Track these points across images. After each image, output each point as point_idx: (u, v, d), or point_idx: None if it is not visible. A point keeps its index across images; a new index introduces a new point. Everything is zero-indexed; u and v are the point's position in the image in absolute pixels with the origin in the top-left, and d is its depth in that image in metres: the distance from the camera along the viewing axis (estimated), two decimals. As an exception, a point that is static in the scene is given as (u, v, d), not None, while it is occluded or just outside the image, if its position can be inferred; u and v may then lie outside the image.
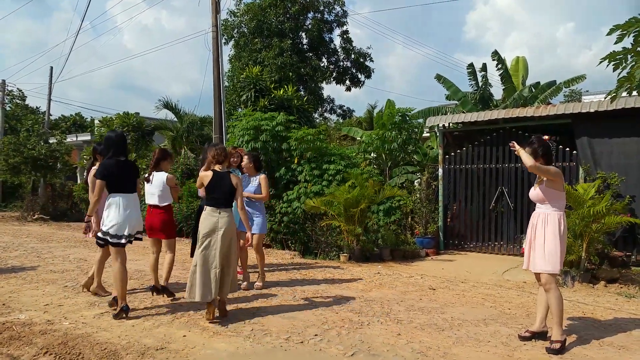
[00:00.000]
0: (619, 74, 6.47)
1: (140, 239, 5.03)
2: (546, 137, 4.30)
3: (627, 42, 5.23)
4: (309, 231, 9.23)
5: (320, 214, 8.92)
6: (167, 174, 5.41)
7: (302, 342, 4.01)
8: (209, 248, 4.56)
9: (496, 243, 9.60)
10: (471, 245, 9.81)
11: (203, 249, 4.55)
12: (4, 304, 5.05)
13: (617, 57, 5.38)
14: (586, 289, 6.48)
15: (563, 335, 3.98)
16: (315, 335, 4.18)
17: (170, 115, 17.52)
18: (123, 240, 4.69)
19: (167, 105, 16.54)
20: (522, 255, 8.98)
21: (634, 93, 6.65)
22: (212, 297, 4.50)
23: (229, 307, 4.87)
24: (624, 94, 6.61)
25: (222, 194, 4.65)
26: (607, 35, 5.37)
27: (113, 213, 4.66)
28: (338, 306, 5.11)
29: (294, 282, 6.38)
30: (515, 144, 4.27)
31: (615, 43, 5.33)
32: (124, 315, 4.55)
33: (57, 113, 43.29)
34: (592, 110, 8.04)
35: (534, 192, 4.21)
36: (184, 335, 4.13)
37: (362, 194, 8.25)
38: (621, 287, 6.59)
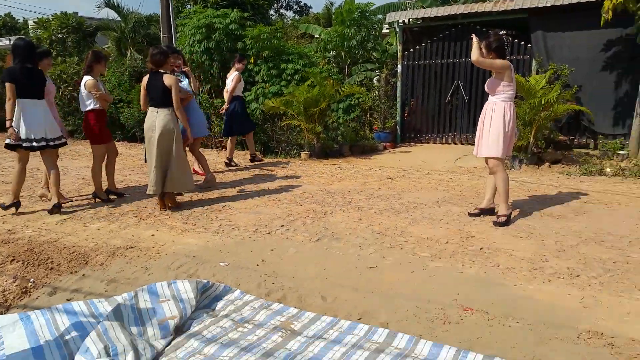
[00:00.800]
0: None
1: (59, 145, 5.09)
2: (503, 32, 4.39)
3: None
4: (269, 131, 9.30)
5: (279, 114, 8.94)
6: (87, 77, 5.28)
7: (269, 233, 4.26)
8: (151, 145, 4.92)
9: (450, 134, 9.97)
10: (427, 137, 10.15)
11: (147, 144, 5.00)
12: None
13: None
14: (532, 170, 6.97)
15: (509, 210, 4.36)
16: (282, 226, 4.44)
17: (113, 15, 16.39)
18: (34, 144, 4.87)
19: (109, 4, 15.40)
20: (474, 144, 9.47)
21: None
22: (156, 192, 4.93)
23: (195, 209, 5.07)
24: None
25: (156, 94, 4.91)
26: None
27: (19, 118, 4.82)
28: (302, 199, 5.36)
29: (257, 180, 6.56)
30: (475, 37, 4.37)
31: None
32: (57, 211, 4.96)
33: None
34: (547, 5, 8.12)
35: (486, 84, 4.41)
36: (153, 235, 4.30)
37: (321, 93, 8.26)
38: (563, 167, 7.12)
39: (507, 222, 4.29)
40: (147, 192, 4.99)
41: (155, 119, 4.89)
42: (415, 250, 3.71)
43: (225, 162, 7.84)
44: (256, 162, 8.05)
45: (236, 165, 7.84)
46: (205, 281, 3.06)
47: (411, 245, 3.82)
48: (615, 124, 8.17)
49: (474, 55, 4.23)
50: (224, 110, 7.68)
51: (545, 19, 8.42)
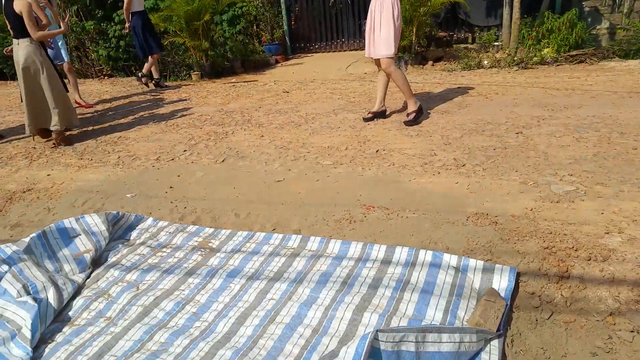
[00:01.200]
0: None
1: None
2: None
3: None
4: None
5: (160, 32, 8.39)
6: None
7: (173, 159, 4.21)
8: (20, 80, 4.61)
9: (338, 41, 10.06)
10: (316, 47, 10.17)
11: (19, 80, 4.66)
12: None
13: None
14: (417, 70, 7.35)
15: (417, 104, 4.53)
16: (185, 151, 4.40)
17: None
18: None
19: None
20: (362, 49, 9.61)
21: None
22: (31, 131, 4.76)
23: (88, 142, 4.82)
24: None
25: (11, 23, 4.52)
26: None
27: None
28: (200, 122, 5.27)
29: (150, 106, 6.29)
30: None
31: None
32: None
33: None
34: None
35: None
36: (48, 175, 4.07)
37: (202, 4, 7.82)
38: (445, 64, 7.57)
39: (418, 118, 4.50)
40: (26, 132, 4.72)
41: (18, 51, 4.51)
42: (318, 160, 3.89)
43: (155, 83, 7.42)
44: (162, 88, 7.56)
45: (166, 86, 7.48)
46: (115, 212, 3.03)
47: (314, 155, 4.00)
48: (488, 14, 8.71)
49: None
50: (127, 30, 7.23)
51: None
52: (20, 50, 4.51)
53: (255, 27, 10.13)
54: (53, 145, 4.79)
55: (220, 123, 5.17)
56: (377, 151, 3.96)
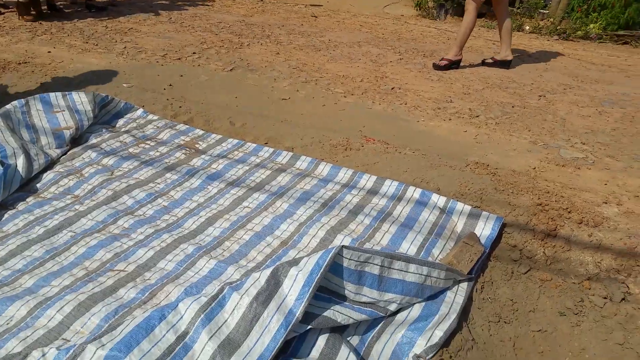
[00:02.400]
0: None
1: None
2: None
3: None
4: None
5: None
6: None
7: (179, 59, 4.03)
8: None
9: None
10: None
11: None
12: None
13: None
14: (457, 21, 6.95)
15: (457, 56, 4.28)
16: (194, 53, 4.20)
17: None
18: None
19: None
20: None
21: None
22: None
23: (97, 28, 4.63)
24: None
25: None
26: None
27: None
28: (217, 29, 5.04)
29: (171, 5, 6.02)
30: None
31: None
32: None
33: None
34: None
35: None
36: (49, 52, 3.92)
37: None
38: (486, 21, 7.15)
39: (448, 68, 4.26)
40: None
41: None
42: (329, 86, 3.70)
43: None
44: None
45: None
46: (104, 95, 2.90)
47: (326, 81, 3.80)
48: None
49: None
50: None
51: None
52: None
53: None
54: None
55: (238, 33, 4.93)
56: (392, 88, 3.75)
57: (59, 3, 5.35)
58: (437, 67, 4.29)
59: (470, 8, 4.18)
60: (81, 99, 2.73)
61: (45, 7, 5.14)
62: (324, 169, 2.41)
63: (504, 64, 4.46)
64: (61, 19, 4.88)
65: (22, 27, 4.50)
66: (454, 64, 4.32)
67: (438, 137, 2.93)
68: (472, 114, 3.34)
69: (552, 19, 6.97)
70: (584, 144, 2.92)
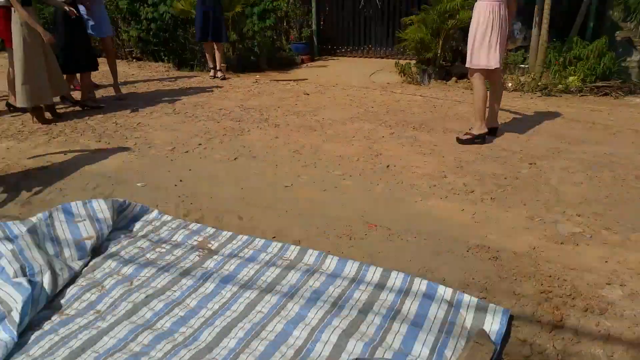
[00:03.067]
0: None
1: None
2: None
3: None
4: (182, 40, 8.84)
5: (191, 18, 8.47)
6: None
7: (187, 152, 4.26)
8: None
9: (366, 47, 10.04)
10: (343, 50, 10.17)
11: None
12: None
13: None
14: (440, 85, 7.30)
15: (480, 130, 4.39)
16: (199, 144, 4.44)
17: None
18: None
19: None
20: (389, 57, 9.55)
21: None
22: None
23: (107, 125, 4.92)
24: None
25: None
26: None
27: None
28: (219, 116, 5.32)
29: (173, 94, 6.36)
30: None
31: None
32: None
33: None
34: None
35: None
36: (65, 154, 4.16)
37: (235, -5, 7.89)
38: (468, 82, 7.49)
39: (472, 142, 4.37)
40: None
41: None
42: (328, 169, 3.91)
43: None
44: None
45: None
46: (122, 200, 3.08)
47: (325, 164, 4.01)
48: (518, 34, 8.57)
49: None
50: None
51: None
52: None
53: (284, 24, 10.16)
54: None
55: (238, 119, 5.21)
56: (387, 166, 3.96)
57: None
58: (461, 141, 4.44)
59: (478, 82, 4.39)
60: (101, 207, 2.91)
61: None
62: (330, 263, 2.56)
63: (486, 136, 4.53)
64: (73, 117, 5.16)
65: (39, 130, 4.77)
66: (478, 138, 4.44)
67: (437, 219, 3.09)
68: (467, 190, 3.52)
69: (532, 74, 7.32)
70: (579, 216, 3.07)
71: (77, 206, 2.93)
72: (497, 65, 4.26)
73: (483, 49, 4.21)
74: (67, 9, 4.97)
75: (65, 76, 5.41)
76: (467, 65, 4.44)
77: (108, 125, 4.93)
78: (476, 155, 4.22)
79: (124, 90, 6.59)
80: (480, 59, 4.26)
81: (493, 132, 4.65)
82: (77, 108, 5.59)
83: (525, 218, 3.08)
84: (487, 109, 4.54)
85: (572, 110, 5.73)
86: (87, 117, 5.21)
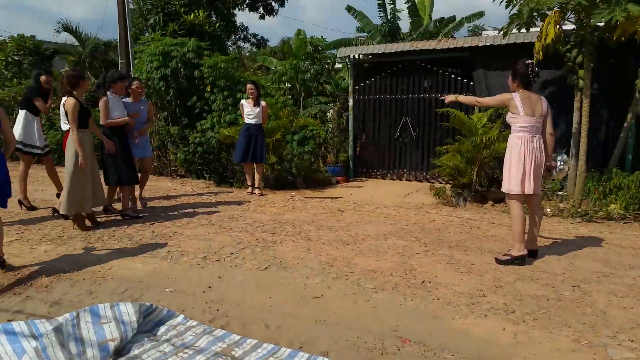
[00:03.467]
0: (510, 11, 7.03)
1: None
2: (529, 60, 4.39)
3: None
4: (224, 161, 9.30)
5: (235, 143, 8.98)
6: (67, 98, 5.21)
7: (218, 260, 4.26)
8: None
9: (400, 170, 10.30)
10: (378, 173, 10.43)
11: None
12: None
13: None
14: (476, 208, 7.27)
15: (520, 252, 4.28)
16: (231, 253, 4.45)
17: (71, 39, 16.26)
18: None
19: (67, 28, 15.31)
20: (423, 181, 9.74)
21: (523, 30, 7.25)
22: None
23: (145, 234, 5.05)
24: (515, 30, 7.19)
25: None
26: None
27: None
28: (253, 228, 5.39)
29: (210, 207, 6.54)
30: (447, 97, 4.81)
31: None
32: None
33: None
34: (487, 44, 8.64)
35: None
36: (99, 259, 4.22)
37: (277, 123, 8.41)
38: (505, 206, 7.45)
39: (512, 262, 4.28)
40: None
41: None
42: (360, 282, 3.80)
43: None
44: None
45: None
46: (149, 304, 3.04)
47: (356, 277, 3.91)
48: (562, 165, 8.64)
49: (468, 100, 4.86)
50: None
51: (487, 57, 8.89)
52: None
53: (322, 149, 10.64)
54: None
55: (272, 232, 5.25)
56: (422, 282, 3.82)
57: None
58: (500, 262, 4.32)
59: (516, 205, 4.36)
60: (127, 310, 2.87)
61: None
62: (361, 376, 2.38)
63: (526, 258, 4.43)
64: (113, 226, 5.33)
65: (78, 236, 4.92)
66: (518, 259, 4.32)
67: (476, 338, 2.89)
68: (508, 310, 3.33)
69: (571, 201, 7.24)
70: (632, 341, 2.83)
71: (104, 308, 2.90)
72: (532, 192, 4.31)
73: (518, 177, 4.31)
74: (105, 142, 5.62)
75: (108, 188, 5.78)
76: (503, 189, 4.47)
77: (145, 234, 5.04)
78: (516, 275, 4.04)
79: (167, 202, 6.88)
80: (517, 186, 4.31)
81: (533, 254, 4.51)
82: (119, 217, 5.79)
83: (572, 341, 2.84)
84: (526, 233, 4.45)
85: (615, 236, 5.54)
86: (126, 226, 5.36)
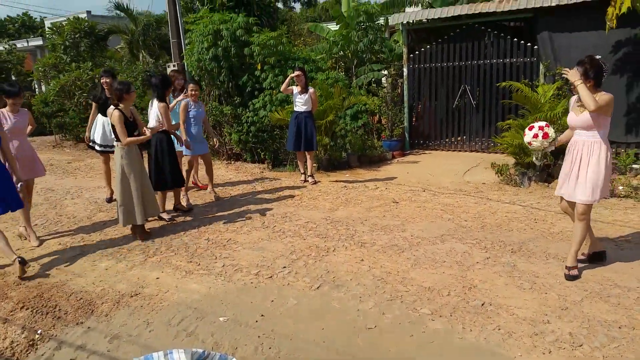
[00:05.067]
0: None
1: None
2: (598, 56, 3.91)
3: None
4: (278, 139, 9.25)
5: (287, 125, 8.88)
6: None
7: (271, 277, 4.26)
8: None
9: (459, 139, 9.85)
10: (436, 144, 10.04)
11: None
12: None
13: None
14: (541, 189, 6.84)
15: (575, 261, 4.05)
16: (284, 267, 4.43)
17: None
18: None
19: (119, 7, 15.53)
20: (483, 151, 9.28)
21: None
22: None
23: (200, 242, 5.15)
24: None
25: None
26: None
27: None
28: (305, 231, 5.34)
29: (263, 202, 6.55)
30: (567, 71, 3.90)
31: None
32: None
33: (2, 14, 40.38)
34: (553, 4, 7.87)
35: (579, 119, 3.93)
36: (157, 278, 4.33)
37: (328, 104, 8.20)
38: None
39: (579, 275, 4.02)
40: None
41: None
42: (415, 305, 3.68)
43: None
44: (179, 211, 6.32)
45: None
46: (201, 351, 3.05)
47: (412, 298, 3.79)
48: (628, 131, 7.90)
49: (592, 103, 3.67)
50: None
51: (552, 18, 8.16)
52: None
53: (376, 121, 10.33)
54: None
55: (324, 235, 5.18)
56: (482, 304, 3.65)
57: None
58: (569, 277, 4.00)
59: (587, 219, 4.02)
60: (180, 358, 2.91)
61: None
62: None
63: (598, 257, 4.24)
64: (170, 233, 5.44)
65: (137, 247, 5.06)
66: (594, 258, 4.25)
67: (538, 386, 2.72)
68: (575, 342, 3.12)
69: (650, 177, 6.64)
70: None
71: (157, 356, 2.95)
72: (586, 200, 3.92)
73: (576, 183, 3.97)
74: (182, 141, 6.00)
75: (159, 193, 5.95)
76: (590, 200, 3.91)
77: (200, 242, 5.12)
78: (583, 292, 3.77)
79: (222, 193, 7.00)
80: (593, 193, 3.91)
81: (599, 257, 4.20)
82: (188, 217, 5.96)
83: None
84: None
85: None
86: (182, 233, 5.46)
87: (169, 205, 6.23)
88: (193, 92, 6.39)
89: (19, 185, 4.71)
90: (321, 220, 5.68)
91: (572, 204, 4.12)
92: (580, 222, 4.00)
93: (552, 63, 8.24)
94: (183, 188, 6.32)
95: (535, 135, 4.23)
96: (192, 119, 6.42)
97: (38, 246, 5.17)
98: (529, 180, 7.12)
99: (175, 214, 6.13)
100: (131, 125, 5.09)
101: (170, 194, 6.22)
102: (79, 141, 12.87)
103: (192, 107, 6.43)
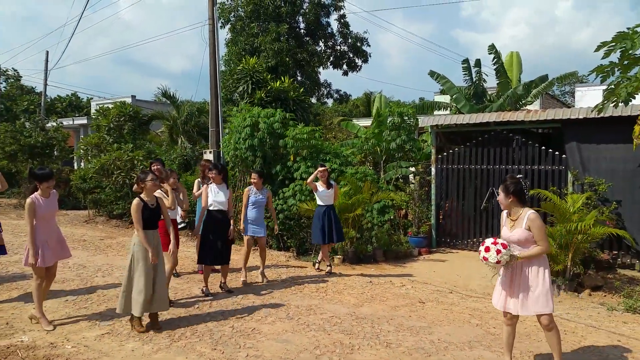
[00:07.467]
0: (608, 84, 6.60)
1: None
2: (519, 175, 4.31)
3: (614, 56, 5.37)
4: (305, 228, 9.40)
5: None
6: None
7: (295, 374, 4.21)
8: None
9: (487, 241, 9.82)
10: (463, 243, 10.03)
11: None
12: (7, 323, 5.22)
13: (605, 70, 5.53)
14: (571, 298, 6.71)
15: None
16: (308, 362, 4.39)
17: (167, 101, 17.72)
18: None
19: (165, 94, 16.71)
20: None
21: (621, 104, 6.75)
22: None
23: (225, 329, 5.15)
24: (611, 105, 6.71)
25: None
26: (594, 51, 5.49)
27: None
28: (330, 325, 5.30)
29: (289, 292, 6.58)
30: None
31: (602, 58, 5.45)
32: None
33: (53, 94, 43.50)
34: (580, 117, 8.16)
35: (513, 235, 4.13)
36: (181, 365, 4.33)
37: (357, 199, 8.42)
38: (604, 296, 6.82)
39: None
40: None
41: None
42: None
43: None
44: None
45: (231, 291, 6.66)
46: None
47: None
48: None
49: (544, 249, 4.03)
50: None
51: (580, 129, 8.40)
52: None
53: (402, 216, 10.46)
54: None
55: (349, 332, 5.14)
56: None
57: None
58: None
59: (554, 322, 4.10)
60: None
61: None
62: None
63: None
64: (195, 319, 5.47)
65: (164, 330, 5.08)
66: None
67: None
68: None
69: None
70: None
71: None
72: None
73: None
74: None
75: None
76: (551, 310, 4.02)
77: (225, 330, 5.12)
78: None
79: (249, 279, 7.11)
80: None
81: None
82: (214, 302, 5.99)
83: None
84: None
85: None
86: (207, 317, 5.49)
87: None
88: (254, 181, 7.22)
89: None
90: (346, 316, 5.65)
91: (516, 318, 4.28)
92: (549, 331, 4.07)
93: (580, 172, 8.38)
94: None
95: (487, 249, 4.13)
96: (251, 205, 7.14)
97: (52, 330, 5.00)
98: (558, 288, 7.00)
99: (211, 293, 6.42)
100: (150, 211, 5.12)
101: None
102: (112, 217, 13.32)
103: (253, 193, 7.18)
